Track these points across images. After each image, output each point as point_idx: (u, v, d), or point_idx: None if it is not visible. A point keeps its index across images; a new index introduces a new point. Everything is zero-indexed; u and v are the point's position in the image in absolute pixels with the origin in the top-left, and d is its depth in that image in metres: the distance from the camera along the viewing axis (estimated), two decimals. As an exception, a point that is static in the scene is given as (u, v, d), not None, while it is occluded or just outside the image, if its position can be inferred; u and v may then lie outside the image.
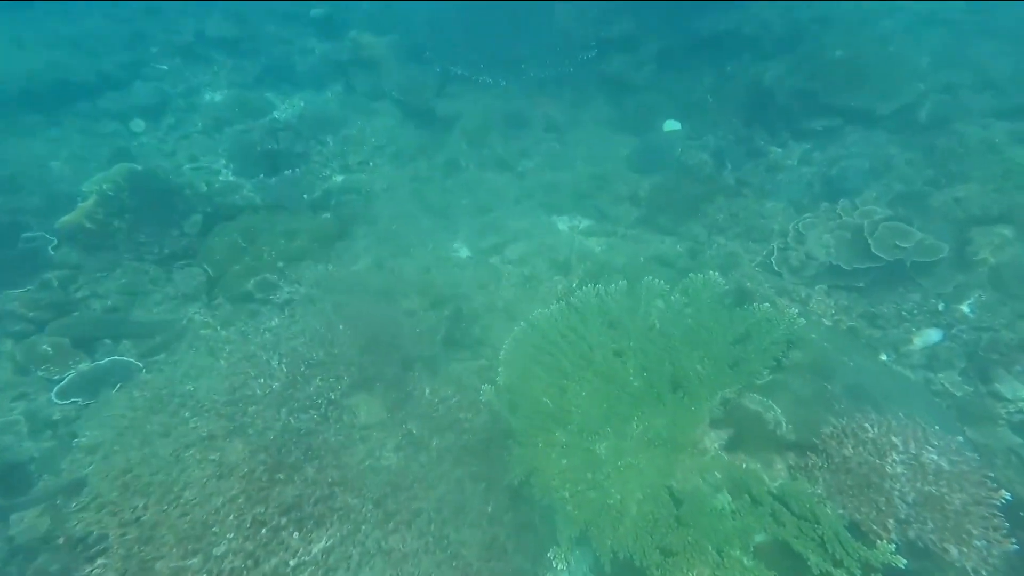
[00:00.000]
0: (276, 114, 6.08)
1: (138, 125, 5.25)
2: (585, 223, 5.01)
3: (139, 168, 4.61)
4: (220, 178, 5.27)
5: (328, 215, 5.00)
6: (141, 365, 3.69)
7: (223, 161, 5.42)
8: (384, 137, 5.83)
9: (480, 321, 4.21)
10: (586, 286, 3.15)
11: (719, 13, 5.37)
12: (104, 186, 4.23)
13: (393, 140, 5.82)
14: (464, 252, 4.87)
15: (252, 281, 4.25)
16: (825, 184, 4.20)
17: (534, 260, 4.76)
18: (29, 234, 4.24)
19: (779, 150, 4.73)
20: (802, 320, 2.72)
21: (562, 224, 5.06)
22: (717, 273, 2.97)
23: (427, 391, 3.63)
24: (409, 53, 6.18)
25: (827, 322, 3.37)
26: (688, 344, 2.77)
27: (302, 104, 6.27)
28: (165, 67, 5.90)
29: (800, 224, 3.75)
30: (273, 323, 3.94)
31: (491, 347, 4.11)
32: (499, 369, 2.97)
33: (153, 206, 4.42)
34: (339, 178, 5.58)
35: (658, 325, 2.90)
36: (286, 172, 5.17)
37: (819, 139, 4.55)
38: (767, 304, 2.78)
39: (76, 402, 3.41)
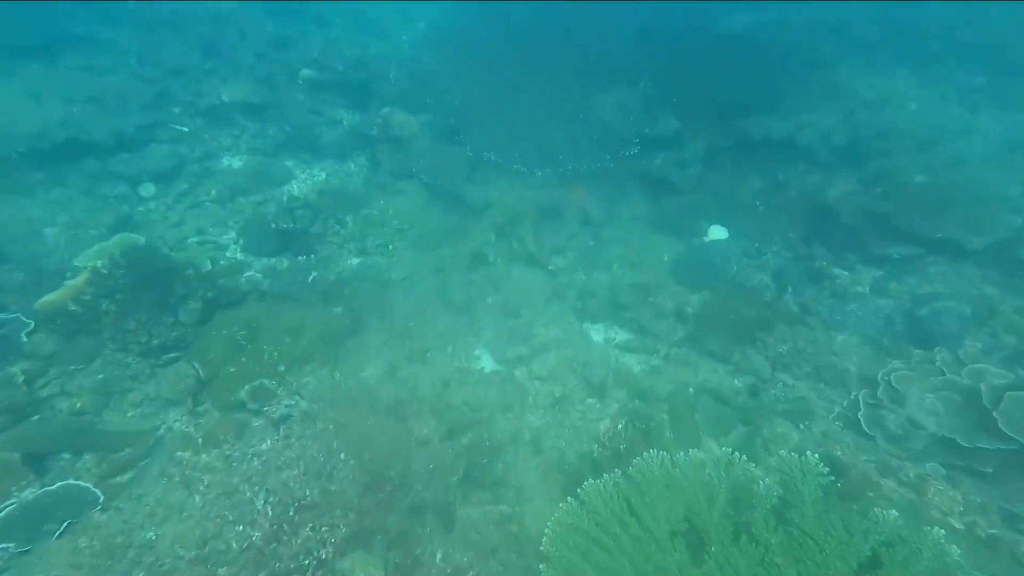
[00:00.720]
0: (295, 184, 5.77)
1: (148, 190, 4.89)
2: (622, 336, 4.54)
3: (140, 241, 4.20)
4: (228, 254, 4.85)
5: (339, 309, 4.53)
6: (99, 494, 3.08)
7: (232, 235, 5.02)
8: (408, 219, 5.47)
9: (503, 455, 3.63)
10: (647, 452, 2.61)
11: (773, 118, 5.15)
12: (98, 262, 3.78)
13: (417, 223, 5.46)
14: (487, 362, 4.36)
15: (247, 387, 3.71)
16: (910, 324, 3.75)
17: (565, 377, 4.25)
18: (3, 315, 3.76)
19: (845, 274, 4.32)
20: (955, 550, 2.12)
21: (597, 335, 4.58)
22: (816, 457, 2.43)
23: (438, 556, 3.00)
24: (442, 134, 5.96)
25: (957, 525, 2.78)
26: (792, 562, 2.18)
27: (323, 176, 5.98)
28: (185, 128, 5.64)
29: (892, 376, 3.26)
30: (264, 446, 3.36)
31: (514, 489, 3.52)
32: (541, 568, 2.37)
33: (149, 287, 3.96)
34: (355, 261, 5.17)
35: (745, 520, 2.32)
36: (299, 258, 4.76)
37: (894, 267, 4.14)
38: (894, 513, 2.21)
39: (6, 549, 2.77)
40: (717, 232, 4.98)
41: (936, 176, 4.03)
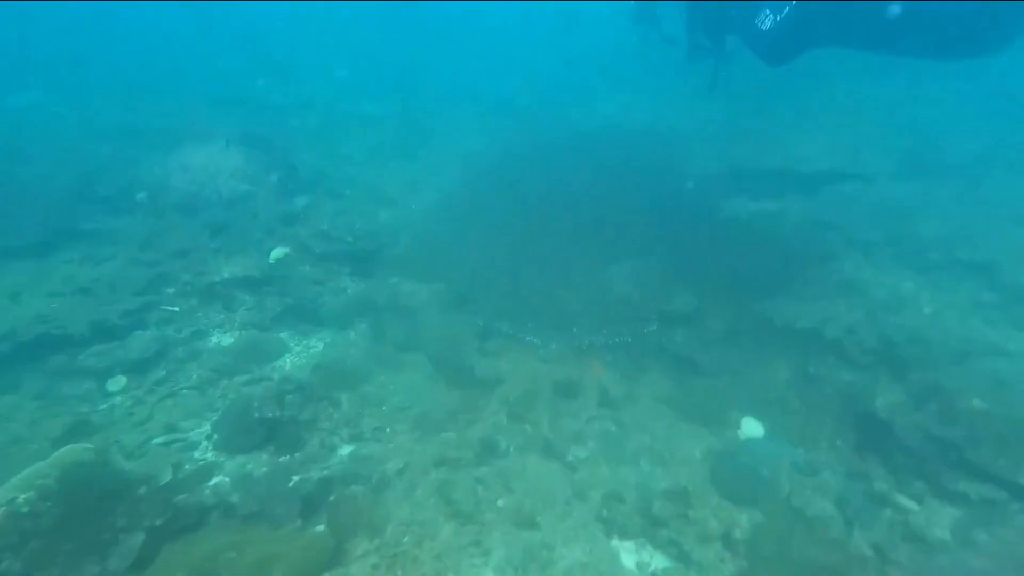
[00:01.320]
0: (288, 359, 5.30)
1: (117, 383, 4.37)
2: (659, 562, 3.63)
3: (89, 455, 3.52)
4: (195, 456, 4.12)
5: (321, 526, 3.69)
6: None
7: (207, 428, 4.36)
8: (409, 396, 4.90)
9: None
10: None
11: (791, 303, 4.97)
12: (21, 496, 3.06)
13: (419, 400, 4.87)
14: (501, 602, 3.38)
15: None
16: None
17: (599, 626, 3.26)
18: None
19: (915, 507, 3.63)
20: None
21: (628, 559, 3.67)
22: None
23: None
24: (451, 302, 5.73)
25: None
26: None
27: (321, 346, 5.55)
28: (176, 308, 5.34)
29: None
30: None
31: None
32: None
33: (82, 521, 3.17)
34: (347, 450, 4.44)
35: None
36: (281, 459, 4.05)
37: (976, 510, 3.47)
38: None
39: None
40: (751, 427, 4.39)
41: (994, 402, 3.63)
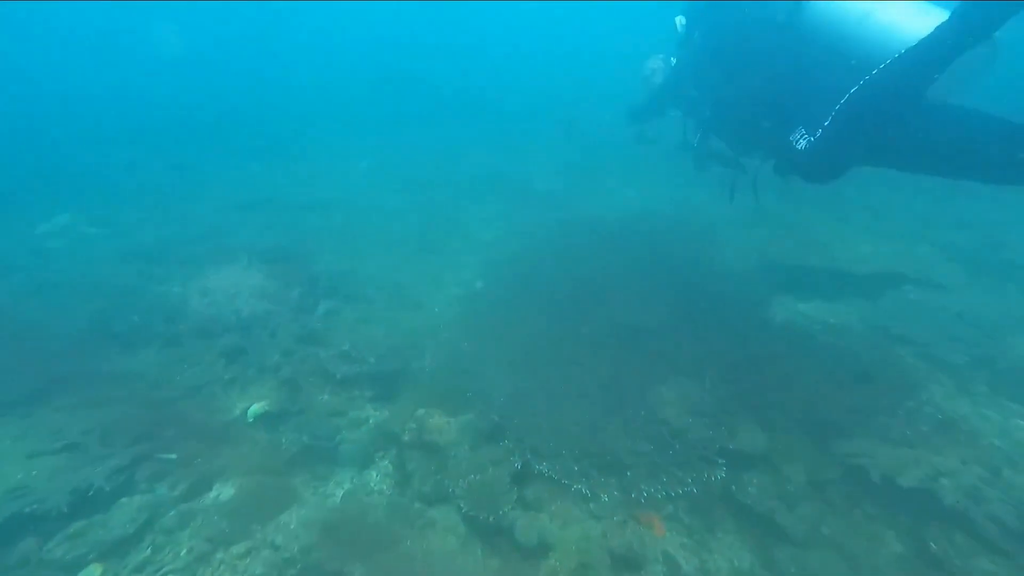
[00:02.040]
0: (296, 513, 4.65)
1: (90, 573, 3.74)
2: None
3: None
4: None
5: None
6: None
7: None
8: (439, 569, 4.17)
9: None
10: None
11: (886, 448, 4.20)
12: None
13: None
14: None
15: None
16: None
17: None
18: None
19: None
20: None
21: None
22: None
23: None
24: (484, 435, 5.09)
25: None
26: None
27: (338, 495, 4.90)
28: (174, 456, 4.81)
29: None
30: None
31: None
32: None
33: None
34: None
35: None
36: None
37: None
38: None
39: None
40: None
41: None
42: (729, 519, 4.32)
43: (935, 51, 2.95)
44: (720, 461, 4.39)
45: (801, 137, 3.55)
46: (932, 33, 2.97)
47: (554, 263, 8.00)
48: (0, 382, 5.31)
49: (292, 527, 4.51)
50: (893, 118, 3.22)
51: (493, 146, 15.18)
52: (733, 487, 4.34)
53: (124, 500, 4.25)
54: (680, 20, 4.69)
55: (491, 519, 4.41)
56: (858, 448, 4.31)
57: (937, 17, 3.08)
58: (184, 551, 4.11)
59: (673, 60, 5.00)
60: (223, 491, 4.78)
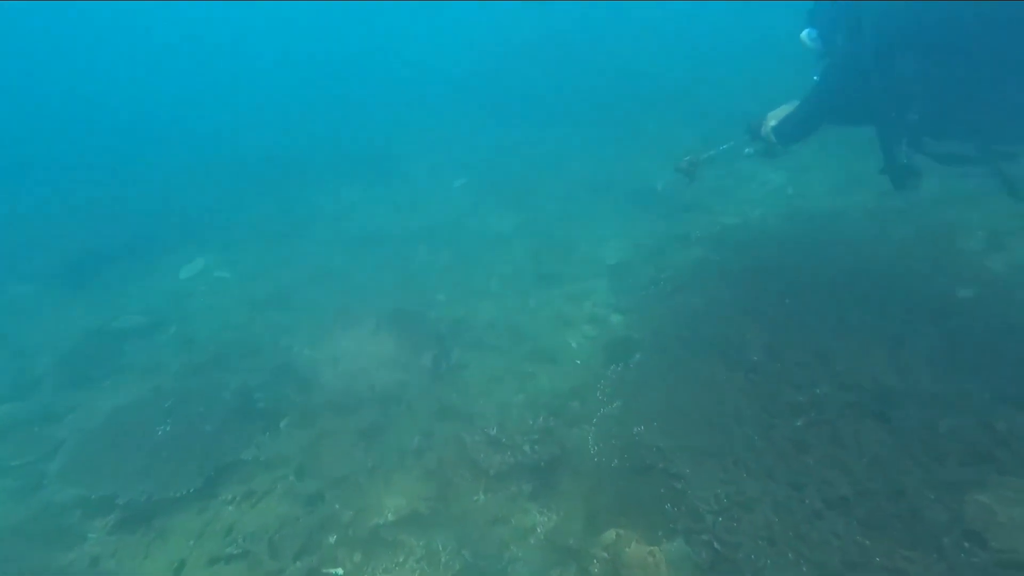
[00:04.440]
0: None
1: None
2: None
3: None
4: None
5: None
6: None
7: None
8: None
9: None
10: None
11: None
12: None
13: None
14: None
15: None
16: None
17: None
18: None
19: None
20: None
21: None
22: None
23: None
24: (701, 570, 4.09)
25: None
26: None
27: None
28: (340, 572, 4.47)
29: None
30: None
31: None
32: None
33: None
34: None
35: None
36: None
37: None
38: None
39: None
40: None
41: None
42: None
43: None
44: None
45: None
46: None
47: (720, 295, 6.38)
48: (173, 471, 5.34)
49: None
50: None
51: (597, 146, 13.83)
52: None
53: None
54: (807, 34, 4.40)
55: None
56: None
57: None
58: None
59: (815, 78, 4.37)
60: (390, 614, 4.35)
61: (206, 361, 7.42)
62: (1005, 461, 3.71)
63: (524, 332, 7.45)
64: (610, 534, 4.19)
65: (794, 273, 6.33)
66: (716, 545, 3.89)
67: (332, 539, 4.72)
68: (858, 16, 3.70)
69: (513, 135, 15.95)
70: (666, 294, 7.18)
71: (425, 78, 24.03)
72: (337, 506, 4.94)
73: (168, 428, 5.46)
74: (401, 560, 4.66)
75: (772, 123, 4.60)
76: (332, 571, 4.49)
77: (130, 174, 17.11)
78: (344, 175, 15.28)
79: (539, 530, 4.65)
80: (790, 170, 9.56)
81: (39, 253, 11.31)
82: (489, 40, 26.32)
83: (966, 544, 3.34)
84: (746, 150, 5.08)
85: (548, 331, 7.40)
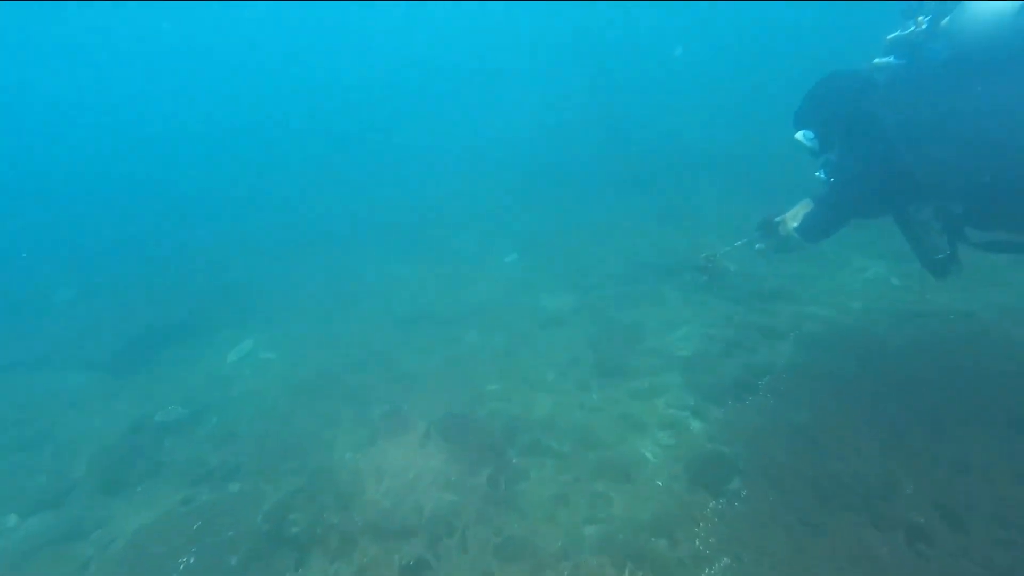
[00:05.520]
0: None
1: None
2: None
3: None
4: None
5: None
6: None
7: None
8: None
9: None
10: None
11: None
12: None
13: None
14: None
15: None
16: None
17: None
18: None
19: None
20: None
21: None
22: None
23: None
24: None
25: None
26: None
27: None
28: None
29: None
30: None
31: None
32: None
33: None
34: None
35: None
36: None
37: None
38: None
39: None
40: None
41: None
42: None
43: None
44: None
45: None
46: None
47: (835, 411, 5.38)
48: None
49: None
50: None
51: (655, 217, 13.30)
52: None
53: None
54: (803, 135, 4.39)
55: None
56: None
57: None
58: None
59: (820, 174, 4.42)
60: None
61: (245, 461, 6.91)
62: None
63: (588, 435, 6.55)
64: None
65: (938, 391, 5.18)
66: None
67: None
68: (870, 113, 3.76)
69: (564, 203, 15.75)
70: (758, 401, 6.18)
71: (476, 144, 24.70)
72: None
73: (192, 561, 4.82)
74: None
75: (794, 223, 4.63)
76: None
77: (198, 244, 17.75)
78: (393, 244, 15.33)
79: None
80: (888, 258, 8.54)
81: (106, 333, 11.48)
82: (533, 108, 26.91)
83: None
84: (756, 246, 5.23)
85: (616, 436, 6.47)
